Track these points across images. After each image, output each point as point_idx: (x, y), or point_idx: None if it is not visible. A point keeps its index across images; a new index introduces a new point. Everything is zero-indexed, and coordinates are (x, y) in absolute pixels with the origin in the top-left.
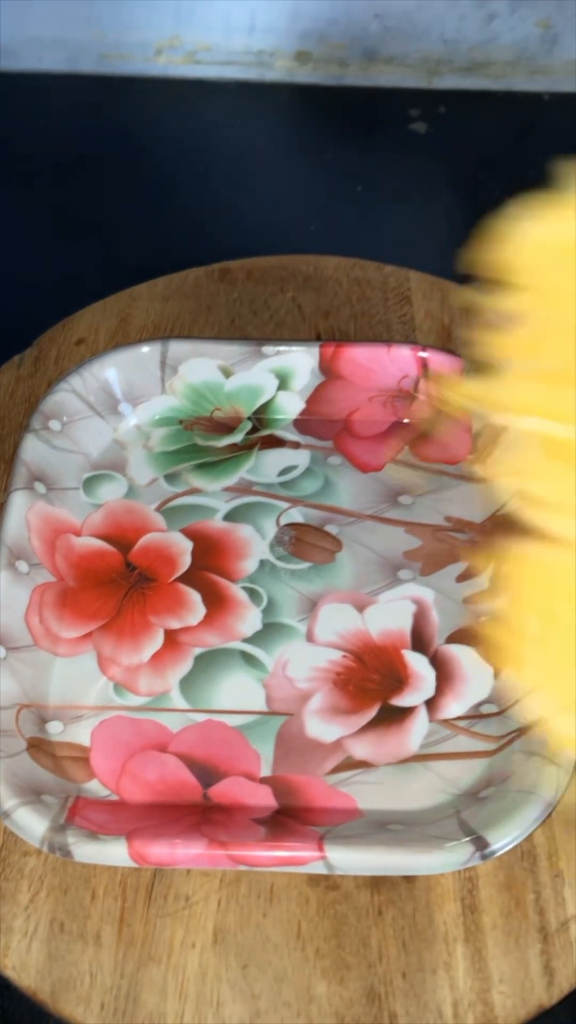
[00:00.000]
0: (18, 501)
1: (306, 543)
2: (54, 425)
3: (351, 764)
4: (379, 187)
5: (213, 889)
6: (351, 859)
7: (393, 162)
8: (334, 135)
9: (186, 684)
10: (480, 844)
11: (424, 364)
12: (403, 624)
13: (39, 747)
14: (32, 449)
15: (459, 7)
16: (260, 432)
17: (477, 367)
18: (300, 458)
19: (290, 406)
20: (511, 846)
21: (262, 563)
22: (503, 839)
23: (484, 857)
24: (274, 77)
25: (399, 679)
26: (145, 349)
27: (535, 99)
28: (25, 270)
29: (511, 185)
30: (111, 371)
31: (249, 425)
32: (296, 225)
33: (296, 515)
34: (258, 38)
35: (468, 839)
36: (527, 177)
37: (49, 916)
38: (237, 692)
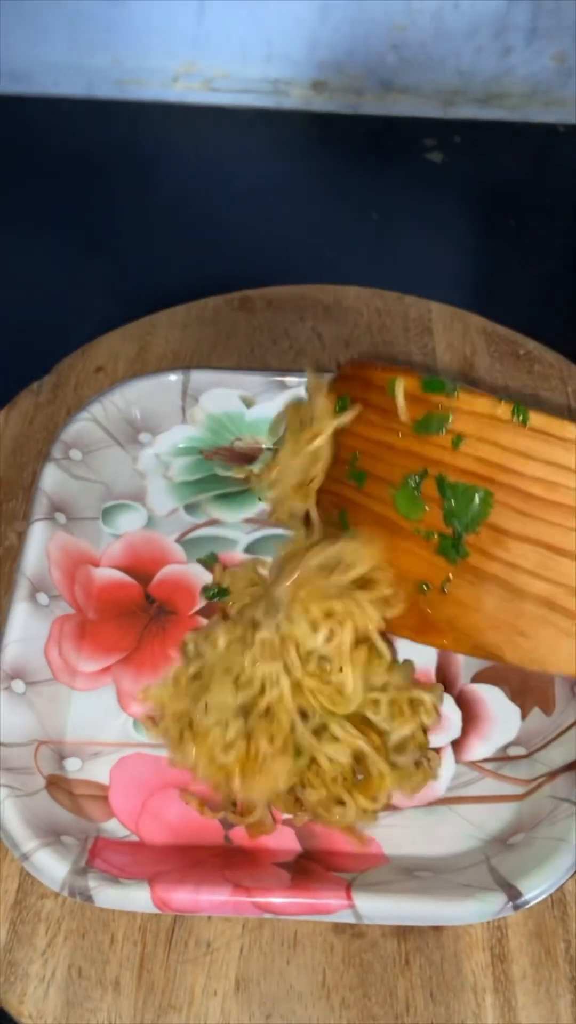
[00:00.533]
0: (39, 532)
1: None
2: (75, 454)
3: None
4: (394, 216)
5: (235, 935)
6: (380, 908)
7: (408, 191)
8: (350, 163)
9: None
10: (512, 894)
11: None
12: (427, 661)
13: (57, 785)
14: (52, 478)
15: (476, 40)
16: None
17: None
18: None
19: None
20: (544, 896)
21: None
22: (536, 889)
23: (516, 907)
24: (290, 105)
25: None
26: (169, 378)
27: (551, 130)
28: (42, 295)
29: (527, 215)
30: (132, 400)
31: (269, 456)
32: (311, 253)
33: None
34: (275, 66)
35: (500, 889)
36: (543, 207)
37: (67, 961)
38: None
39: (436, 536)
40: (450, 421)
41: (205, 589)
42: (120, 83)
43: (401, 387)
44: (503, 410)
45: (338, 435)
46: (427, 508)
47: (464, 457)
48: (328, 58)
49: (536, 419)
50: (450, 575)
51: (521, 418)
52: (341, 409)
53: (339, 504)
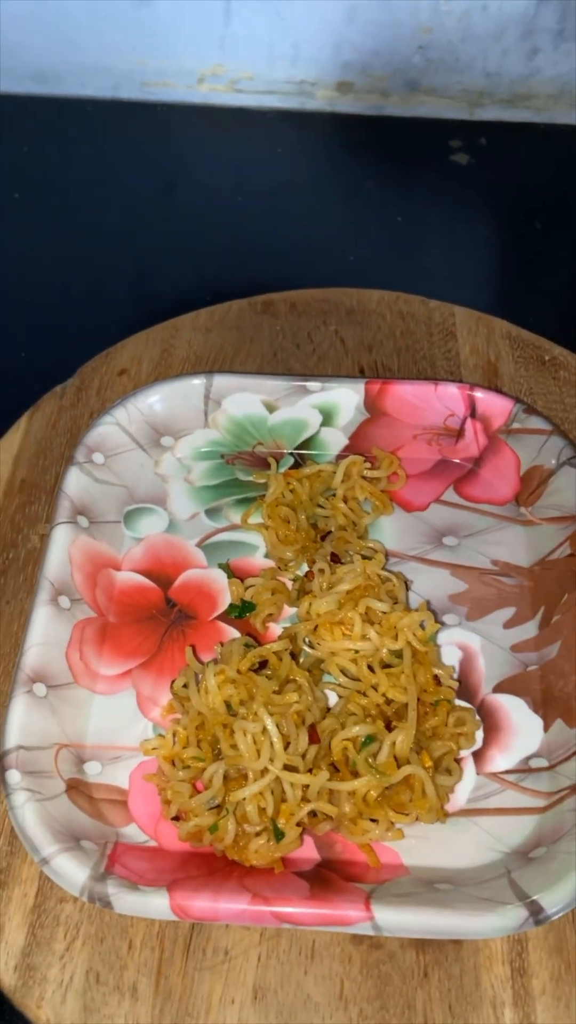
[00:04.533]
0: (61, 535)
1: None
2: (97, 458)
3: None
4: (419, 218)
5: (253, 943)
6: (400, 921)
7: (434, 193)
8: (374, 165)
9: None
10: (534, 909)
11: (472, 402)
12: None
13: (77, 789)
14: (76, 482)
15: (503, 42)
16: (302, 468)
17: None
18: None
19: (333, 442)
20: (565, 911)
21: None
22: (558, 904)
23: (538, 922)
24: (315, 106)
25: None
26: (191, 382)
27: None
28: (64, 298)
29: (553, 217)
30: (155, 404)
31: (291, 460)
32: (336, 255)
33: None
34: (301, 68)
35: (521, 903)
36: (569, 209)
37: (85, 966)
38: None
39: None
40: None
41: (231, 608)
42: (146, 85)
43: None
44: None
45: None
46: None
47: None
48: (354, 59)
49: None
50: None
51: None
52: None
53: None
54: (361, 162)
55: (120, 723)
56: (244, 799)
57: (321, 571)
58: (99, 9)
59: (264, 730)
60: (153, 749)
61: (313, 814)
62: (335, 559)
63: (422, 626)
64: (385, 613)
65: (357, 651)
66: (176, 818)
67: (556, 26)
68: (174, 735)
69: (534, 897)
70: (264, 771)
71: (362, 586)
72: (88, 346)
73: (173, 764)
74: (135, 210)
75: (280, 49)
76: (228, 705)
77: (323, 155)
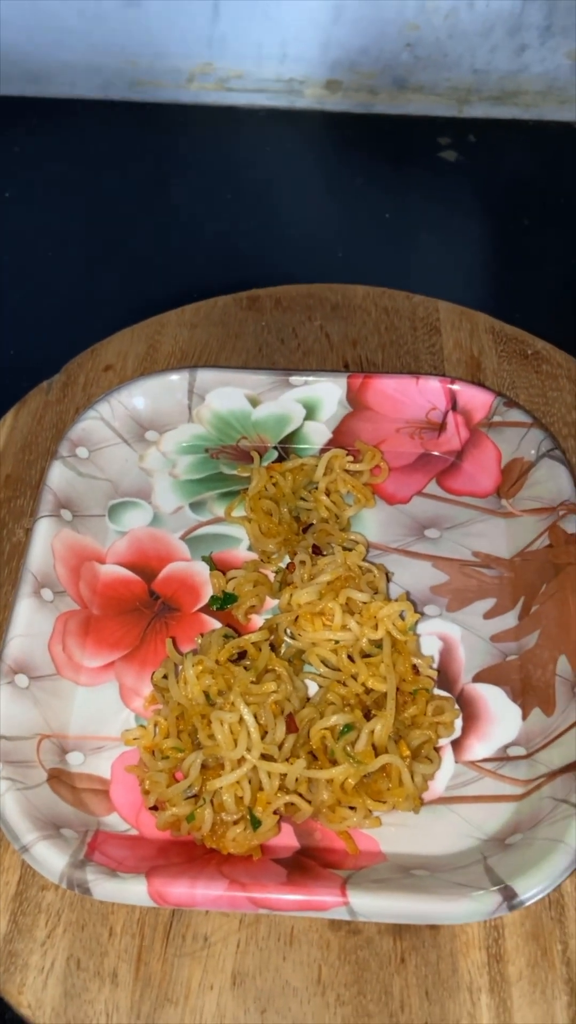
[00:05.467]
0: (44, 528)
1: None
2: (81, 452)
3: None
4: (408, 215)
5: (232, 929)
6: (375, 906)
7: (422, 190)
8: (363, 162)
9: None
10: (508, 894)
11: (453, 396)
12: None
13: (59, 778)
14: (59, 476)
15: (491, 38)
16: (286, 461)
17: None
18: None
19: (317, 436)
20: (540, 897)
21: None
22: (531, 889)
23: (511, 907)
24: (304, 104)
25: None
26: (173, 377)
27: (565, 128)
28: (53, 295)
29: (541, 214)
30: (139, 399)
31: (275, 454)
32: (324, 251)
33: None
34: (289, 66)
35: (495, 888)
36: (557, 206)
37: (66, 952)
38: None
39: None
40: None
41: (213, 600)
42: (136, 84)
43: None
44: None
45: None
46: None
47: None
48: (342, 57)
49: None
50: None
51: None
52: None
53: None
54: (350, 159)
55: (103, 714)
56: (221, 788)
57: (303, 563)
58: (88, 9)
59: (241, 720)
60: (134, 739)
61: (291, 804)
62: (317, 551)
63: (402, 616)
64: (365, 603)
65: (337, 641)
66: (154, 808)
67: (543, 22)
68: (155, 726)
69: (508, 882)
70: (241, 760)
71: (343, 577)
72: (75, 342)
73: (153, 754)
74: (124, 208)
75: (268, 48)
76: (207, 695)
77: (312, 153)
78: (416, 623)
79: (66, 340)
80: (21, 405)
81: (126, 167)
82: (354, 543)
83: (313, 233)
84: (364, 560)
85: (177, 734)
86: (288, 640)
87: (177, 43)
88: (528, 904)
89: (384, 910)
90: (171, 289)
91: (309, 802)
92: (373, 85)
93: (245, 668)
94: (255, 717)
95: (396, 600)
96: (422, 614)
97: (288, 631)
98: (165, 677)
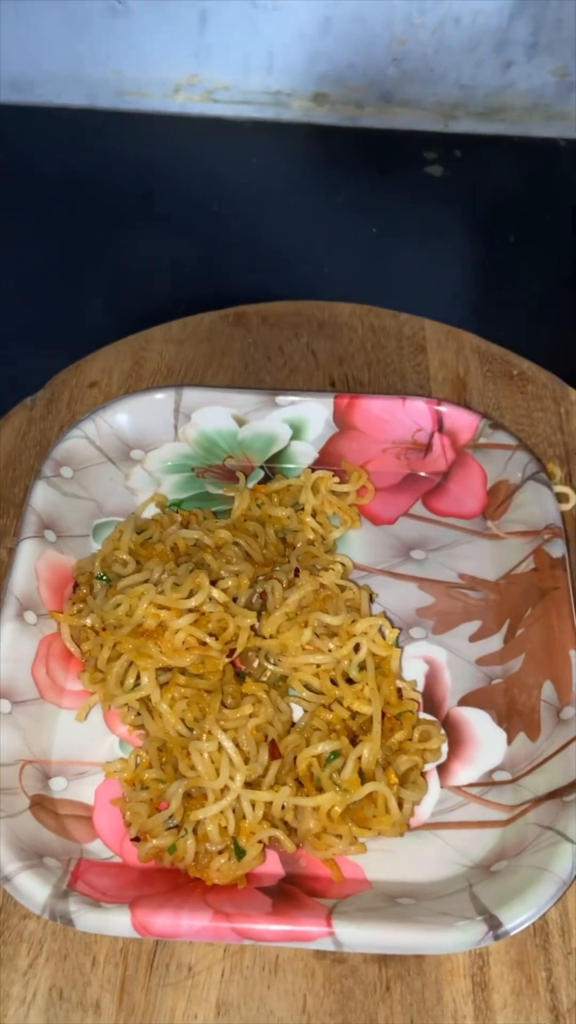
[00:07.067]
0: (27, 550)
1: None
2: (66, 472)
3: None
4: (394, 229)
5: (216, 959)
6: (360, 936)
7: (408, 204)
8: (349, 176)
9: None
10: (493, 923)
11: (440, 417)
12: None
13: (42, 805)
14: (43, 496)
15: (477, 53)
16: (272, 482)
17: None
18: None
19: (303, 456)
20: (525, 926)
21: None
22: (517, 919)
23: (497, 937)
24: (291, 117)
25: None
26: (159, 396)
27: (551, 144)
28: (37, 309)
29: (527, 230)
30: (124, 417)
31: (261, 474)
32: (310, 266)
33: None
34: (276, 78)
35: (481, 918)
36: (543, 221)
37: (48, 983)
38: None
39: None
40: None
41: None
42: (122, 94)
43: None
44: None
45: None
46: None
47: None
48: (329, 71)
49: None
50: None
51: None
52: None
53: None
54: (336, 173)
55: (87, 739)
56: (204, 819)
57: (272, 591)
58: (74, 18)
59: (220, 747)
60: (115, 772)
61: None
62: (298, 574)
63: (382, 634)
64: (339, 625)
65: (319, 665)
66: (136, 839)
67: (530, 39)
68: (136, 758)
69: (493, 912)
70: (224, 789)
71: (320, 597)
72: (59, 357)
73: (134, 786)
74: (109, 220)
75: (255, 60)
76: (184, 722)
77: (299, 165)
78: (397, 637)
79: (48, 355)
80: (4, 421)
81: (111, 178)
82: (333, 562)
83: (299, 246)
84: (343, 579)
85: (160, 765)
86: (270, 667)
87: (163, 53)
88: (513, 934)
89: (369, 941)
90: (155, 301)
91: (294, 831)
92: (360, 99)
93: (208, 692)
94: (235, 744)
95: (373, 616)
96: (408, 637)
97: (269, 657)
98: (139, 714)
